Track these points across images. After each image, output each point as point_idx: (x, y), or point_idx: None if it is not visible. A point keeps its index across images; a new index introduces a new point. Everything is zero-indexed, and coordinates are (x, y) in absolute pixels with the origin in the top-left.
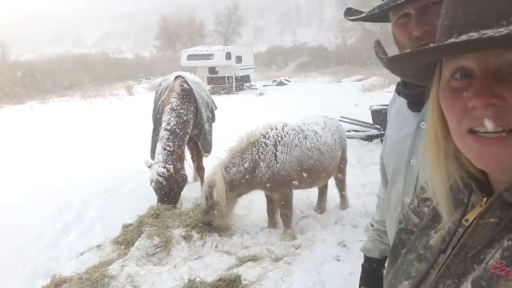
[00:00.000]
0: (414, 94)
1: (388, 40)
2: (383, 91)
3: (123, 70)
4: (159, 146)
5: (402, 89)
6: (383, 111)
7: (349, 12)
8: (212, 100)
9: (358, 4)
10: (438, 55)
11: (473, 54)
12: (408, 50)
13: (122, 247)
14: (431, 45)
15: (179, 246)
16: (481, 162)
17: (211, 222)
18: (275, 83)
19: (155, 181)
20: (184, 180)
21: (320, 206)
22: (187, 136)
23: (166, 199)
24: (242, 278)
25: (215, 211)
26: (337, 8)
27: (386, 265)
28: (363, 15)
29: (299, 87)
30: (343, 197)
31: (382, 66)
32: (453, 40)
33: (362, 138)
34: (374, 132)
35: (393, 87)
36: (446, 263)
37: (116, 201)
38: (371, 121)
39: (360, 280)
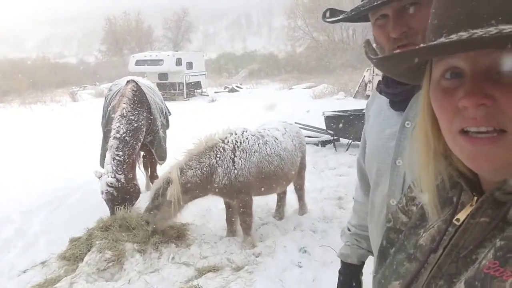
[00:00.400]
0: (396, 93)
1: (334, 50)
2: (332, 98)
3: (66, 75)
4: (108, 156)
5: (384, 88)
6: (336, 117)
7: (331, 12)
8: (166, 106)
9: (306, 14)
10: (427, 56)
11: (463, 54)
12: (398, 51)
13: (70, 262)
14: (422, 45)
15: (133, 260)
16: (473, 163)
17: (149, 221)
18: (226, 89)
19: (106, 192)
20: (137, 191)
21: (279, 212)
22: (139, 144)
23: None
24: None
25: (159, 212)
26: (286, 17)
27: (374, 264)
28: (341, 16)
29: (251, 94)
30: (302, 202)
31: (331, 74)
32: (442, 39)
33: (315, 144)
34: (327, 137)
35: (342, 94)
36: (438, 263)
37: (61, 213)
38: (324, 127)
39: None
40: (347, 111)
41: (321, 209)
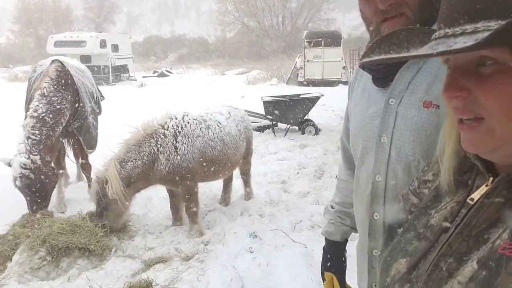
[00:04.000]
0: (379, 69)
1: (265, 36)
2: (266, 84)
3: None
4: (21, 135)
5: (367, 64)
6: (274, 102)
7: None
8: (99, 90)
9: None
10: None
11: None
12: (387, 56)
13: None
14: (409, 54)
15: (72, 255)
16: (463, 146)
17: (105, 224)
18: (156, 74)
19: (20, 177)
20: (56, 175)
21: (225, 198)
22: (60, 128)
23: (37, 199)
24: (154, 283)
25: (110, 212)
26: (215, 1)
27: (381, 244)
28: None
29: (182, 79)
30: (248, 187)
31: (262, 60)
32: (425, 48)
33: (254, 129)
34: (266, 122)
35: (275, 80)
36: (449, 242)
37: None
38: (262, 112)
39: (322, 266)
40: (285, 96)
41: (266, 194)
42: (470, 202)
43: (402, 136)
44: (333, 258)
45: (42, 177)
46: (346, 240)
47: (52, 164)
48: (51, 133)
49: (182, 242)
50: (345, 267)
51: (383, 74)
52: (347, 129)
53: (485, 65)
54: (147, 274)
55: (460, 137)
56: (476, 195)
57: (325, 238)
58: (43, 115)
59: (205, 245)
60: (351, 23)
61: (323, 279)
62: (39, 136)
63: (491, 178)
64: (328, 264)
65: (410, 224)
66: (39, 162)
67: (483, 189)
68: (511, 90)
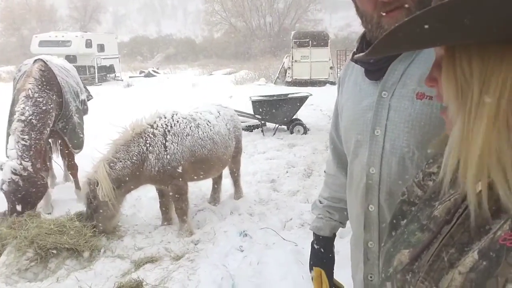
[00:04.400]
0: (372, 62)
1: (252, 36)
2: (254, 84)
3: None
4: (11, 140)
5: (360, 57)
6: (263, 102)
7: None
8: (87, 89)
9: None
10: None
11: None
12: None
13: None
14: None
15: (60, 256)
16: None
17: (97, 226)
18: (142, 74)
19: (8, 182)
20: (45, 185)
21: (215, 197)
22: (47, 129)
23: (20, 206)
24: (144, 283)
25: (101, 214)
26: (202, 1)
27: (385, 236)
28: None
29: (170, 79)
30: (237, 187)
31: (250, 60)
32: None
33: (243, 129)
34: (255, 122)
35: (263, 80)
36: (451, 232)
37: None
38: (251, 112)
39: (310, 261)
40: (273, 96)
41: (256, 193)
42: None
43: (396, 128)
44: (322, 253)
45: (31, 186)
46: (335, 235)
47: (42, 173)
48: (39, 136)
49: (172, 242)
50: (334, 262)
51: (376, 67)
52: (337, 124)
53: None
54: (137, 274)
55: None
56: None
57: (314, 233)
58: (30, 117)
59: (195, 244)
60: (338, 23)
61: (312, 274)
62: (28, 141)
63: None
64: (317, 259)
65: (414, 216)
66: (30, 169)
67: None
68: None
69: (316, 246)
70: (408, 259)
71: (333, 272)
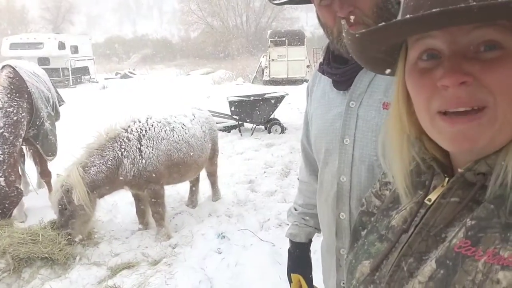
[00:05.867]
0: (339, 73)
1: (229, 35)
2: (231, 83)
3: None
4: None
5: (327, 68)
6: (240, 102)
7: None
8: (58, 94)
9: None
10: (415, 29)
11: (441, 34)
12: (383, 23)
13: None
14: (410, 16)
15: (34, 265)
16: (454, 143)
17: (70, 233)
18: (118, 75)
19: None
20: (19, 195)
21: (192, 200)
22: (20, 140)
23: None
24: None
25: (76, 219)
26: (178, 1)
27: (347, 247)
28: None
29: (146, 80)
30: (215, 188)
31: (227, 60)
32: (428, 12)
33: (220, 129)
34: (232, 122)
35: (240, 80)
36: (409, 242)
37: None
38: (228, 112)
39: (288, 268)
40: (250, 95)
41: (234, 194)
42: (427, 202)
43: (364, 137)
44: (299, 259)
45: (4, 199)
46: (310, 241)
47: (16, 184)
48: (12, 149)
49: (150, 247)
50: (311, 267)
51: (343, 78)
52: (306, 132)
53: (489, 50)
54: (113, 281)
55: (443, 135)
56: (433, 196)
57: (290, 240)
58: (1, 131)
59: (173, 248)
60: (314, 22)
61: (290, 281)
62: (1, 156)
63: (446, 179)
64: (294, 266)
65: (373, 226)
66: (3, 183)
67: (439, 190)
68: None
69: (292, 253)
70: (369, 270)
71: (311, 277)
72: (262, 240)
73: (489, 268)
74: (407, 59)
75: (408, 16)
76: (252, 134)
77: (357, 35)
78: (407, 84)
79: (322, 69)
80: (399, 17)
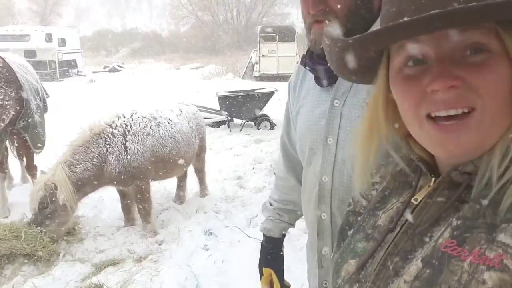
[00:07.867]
0: (321, 69)
1: (219, 30)
2: (221, 79)
3: None
4: None
5: (310, 63)
6: (229, 97)
7: None
8: (43, 87)
9: None
10: (407, 34)
11: (426, 39)
12: (373, 30)
13: None
14: (408, 18)
15: (16, 262)
16: (443, 149)
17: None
18: (107, 69)
19: None
20: None
21: (180, 196)
22: (1, 124)
23: None
24: (104, 287)
25: (56, 218)
26: None
27: (334, 246)
28: None
29: (135, 74)
30: (203, 184)
31: (218, 55)
32: (416, 17)
33: (209, 125)
34: (221, 118)
35: (230, 75)
36: (395, 241)
37: None
38: (217, 108)
39: (260, 261)
40: (239, 91)
41: (222, 190)
42: (414, 202)
43: (348, 137)
44: (272, 254)
45: None
46: (284, 236)
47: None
48: None
49: (135, 243)
50: (283, 262)
51: (327, 75)
52: (287, 128)
53: (475, 54)
54: (97, 278)
55: (432, 140)
56: (419, 195)
57: (263, 234)
58: None
59: (159, 244)
60: None
61: (261, 275)
62: None
63: (433, 179)
64: (267, 260)
65: (359, 226)
66: None
67: (426, 190)
68: (504, 74)
69: (266, 247)
70: (354, 269)
71: (283, 272)
72: (249, 236)
73: (475, 269)
74: (390, 65)
75: (401, 20)
76: (241, 130)
77: (350, 41)
78: (392, 91)
79: (304, 63)
80: (378, 24)
